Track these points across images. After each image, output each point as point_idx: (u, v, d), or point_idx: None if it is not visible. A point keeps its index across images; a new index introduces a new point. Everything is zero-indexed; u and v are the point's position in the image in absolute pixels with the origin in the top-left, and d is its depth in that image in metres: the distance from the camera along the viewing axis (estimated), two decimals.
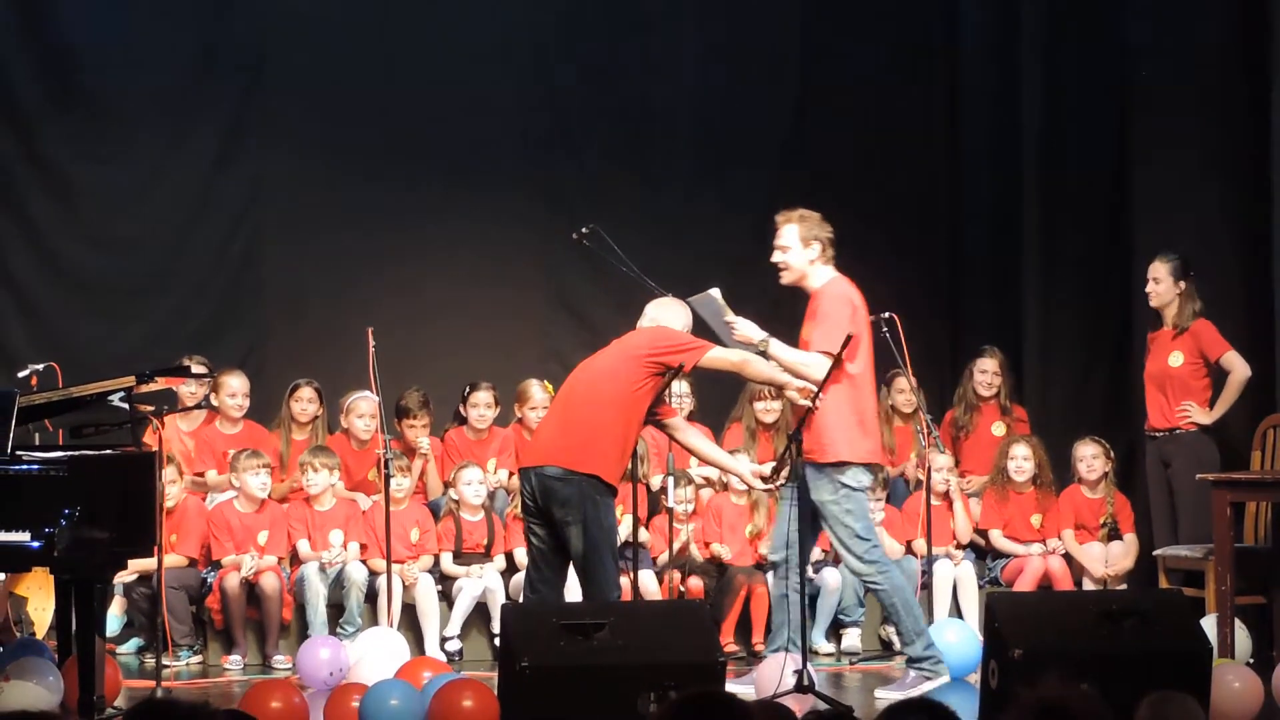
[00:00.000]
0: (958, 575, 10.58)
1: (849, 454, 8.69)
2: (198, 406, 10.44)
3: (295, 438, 10.70)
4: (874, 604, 10.52)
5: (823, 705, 7.93)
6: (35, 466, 7.68)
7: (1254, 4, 10.74)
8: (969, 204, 12.22)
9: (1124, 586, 10.59)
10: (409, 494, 10.52)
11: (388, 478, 9.82)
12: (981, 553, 10.90)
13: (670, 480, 9.56)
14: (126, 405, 8.27)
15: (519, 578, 10.02)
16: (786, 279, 8.96)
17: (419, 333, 11.47)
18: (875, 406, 9.10)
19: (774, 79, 12.26)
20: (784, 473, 8.50)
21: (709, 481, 10.71)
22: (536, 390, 10.85)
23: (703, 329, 8.85)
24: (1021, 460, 10.80)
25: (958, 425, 11.25)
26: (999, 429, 11.17)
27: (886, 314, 9.54)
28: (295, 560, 10.32)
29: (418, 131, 11.80)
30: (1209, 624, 8.94)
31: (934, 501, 10.47)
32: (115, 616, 10.09)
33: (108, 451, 8.25)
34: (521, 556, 10.25)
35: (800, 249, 8.90)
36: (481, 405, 10.86)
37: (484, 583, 10.28)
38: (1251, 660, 9.21)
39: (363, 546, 10.36)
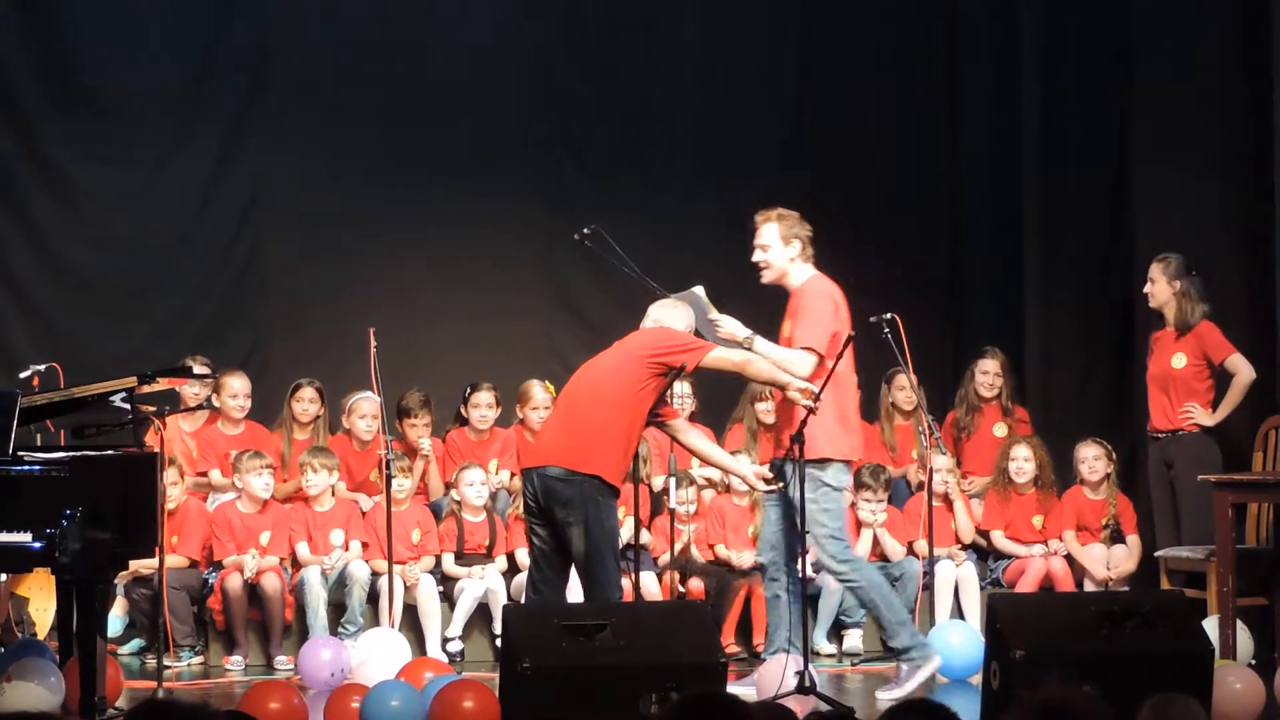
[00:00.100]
0: (959, 576, 10.58)
1: (830, 451, 8.69)
2: (199, 407, 10.44)
3: (297, 438, 10.70)
4: None
5: (824, 707, 7.94)
6: (37, 467, 7.68)
7: (1254, 4, 10.74)
8: (969, 204, 12.21)
9: (1125, 588, 10.58)
10: (410, 495, 10.52)
11: (389, 478, 9.82)
12: (983, 554, 10.90)
13: (672, 481, 9.56)
14: (128, 406, 8.27)
15: (520, 578, 10.03)
16: (767, 277, 9.00)
17: (420, 333, 11.47)
18: (857, 404, 9.11)
19: (774, 79, 12.26)
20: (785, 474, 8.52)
21: (711, 482, 10.70)
22: (538, 391, 10.85)
23: None
24: (1022, 461, 10.80)
25: (959, 426, 11.25)
26: (1000, 430, 11.16)
27: (888, 315, 9.54)
28: (296, 563, 10.31)
29: (418, 131, 11.80)
30: (1210, 625, 8.94)
31: (935, 503, 10.46)
32: (117, 617, 10.10)
33: (109, 452, 8.25)
34: (523, 557, 10.26)
35: (781, 247, 8.93)
36: (483, 406, 10.85)
37: (485, 583, 10.28)
38: (1253, 661, 9.21)
39: (363, 546, 10.36)
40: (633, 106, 12.12)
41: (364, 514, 10.53)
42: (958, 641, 9.35)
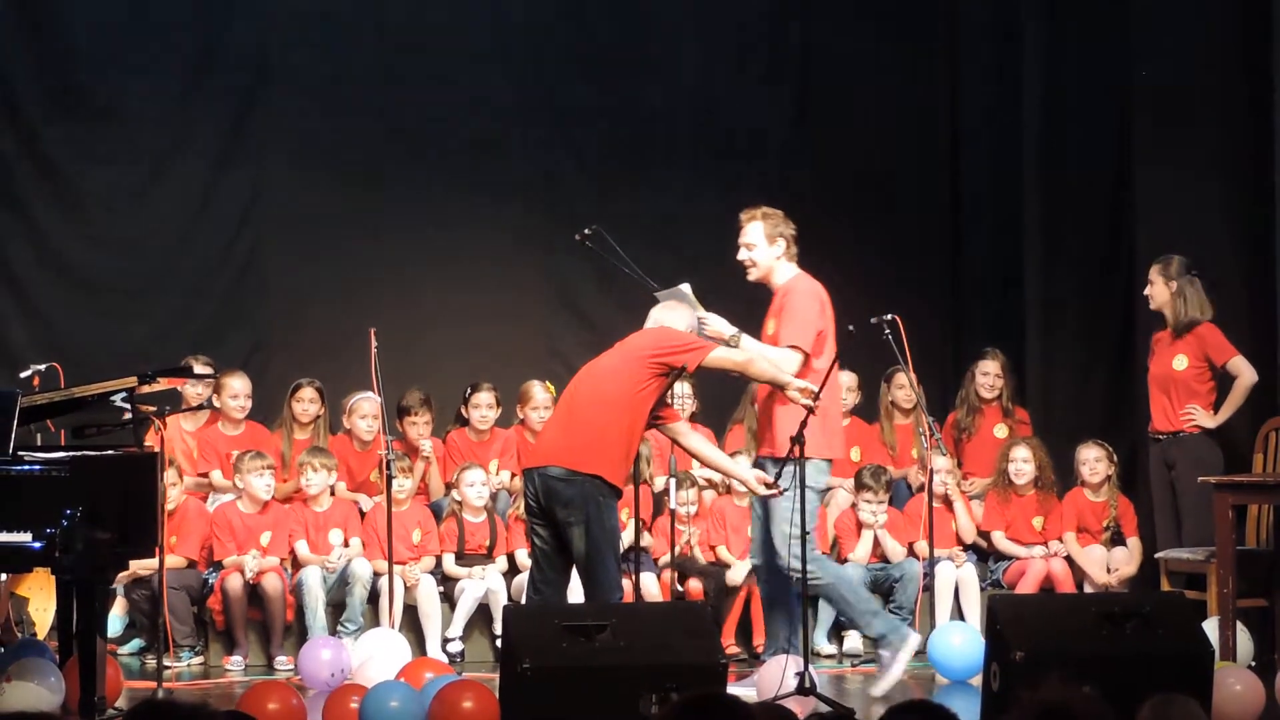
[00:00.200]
0: (960, 577, 10.57)
1: (809, 449, 8.69)
2: (199, 407, 10.44)
3: (297, 438, 10.69)
4: None
5: (825, 708, 7.94)
6: (37, 467, 7.68)
7: (1255, 4, 10.74)
8: (969, 204, 12.22)
9: (1125, 590, 10.58)
10: (410, 495, 10.52)
11: (390, 479, 9.82)
12: (983, 555, 10.90)
13: (673, 482, 9.56)
14: (128, 405, 8.27)
15: (521, 579, 10.04)
16: (753, 275, 9.03)
17: (420, 333, 11.47)
18: (839, 403, 9.10)
19: (774, 79, 12.26)
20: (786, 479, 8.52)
21: (712, 483, 10.70)
22: (538, 391, 10.85)
23: None
24: (1021, 462, 10.79)
25: (960, 427, 11.24)
26: (1001, 431, 11.16)
27: (889, 315, 9.54)
28: (296, 563, 10.31)
29: (418, 132, 11.81)
30: (1211, 626, 8.94)
31: (935, 504, 10.46)
32: (116, 618, 10.10)
33: (110, 452, 8.25)
34: (523, 558, 10.26)
35: (766, 246, 8.96)
36: (483, 406, 10.85)
37: (486, 584, 10.27)
38: (1253, 663, 9.21)
39: (362, 545, 10.36)
40: (633, 106, 12.12)
41: (364, 514, 10.53)
42: (959, 643, 9.35)
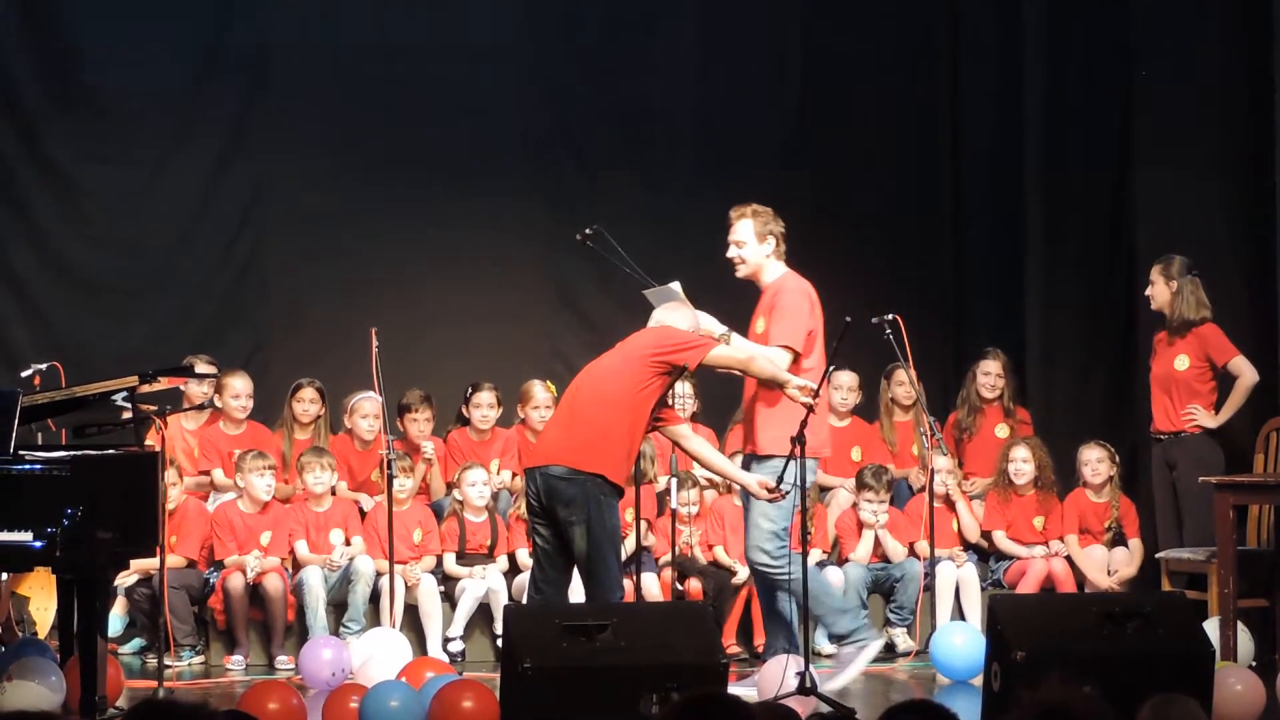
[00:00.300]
0: (961, 577, 10.57)
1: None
2: (200, 407, 10.43)
3: (297, 438, 10.69)
4: (877, 606, 10.55)
5: (825, 707, 7.94)
6: (38, 466, 7.69)
7: (1255, 4, 10.74)
8: (970, 205, 12.22)
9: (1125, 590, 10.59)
10: (411, 495, 10.52)
11: (391, 478, 9.82)
12: (984, 555, 10.90)
13: (674, 481, 9.57)
14: (129, 405, 8.27)
15: (522, 579, 10.04)
16: (742, 272, 9.04)
17: (420, 333, 11.47)
18: (825, 402, 9.07)
19: (774, 79, 12.26)
20: (789, 480, 8.52)
21: (713, 483, 10.70)
22: (539, 390, 10.85)
23: None
24: (1020, 462, 10.79)
25: (961, 427, 11.24)
26: (1002, 431, 11.16)
27: (890, 315, 9.55)
28: (296, 563, 10.30)
29: (418, 131, 11.80)
30: (1211, 627, 8.94)
31: (936, 504, 10.47)
32: (117, 617, 10.09)
33: (110, 451, 8.25)
34: (524, 558, 10.27)
35: (756, 244, 8.97)
36: (484, 406, 10.85)
37: (486, 583, 10.27)
38: (1254, 663, 9.21)
39: (363, 540, 10.36)
40: (633, 106, 12.12)
41: (365, 514, 10.53)
42: (960, 643, 9.34)
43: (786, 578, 8.79)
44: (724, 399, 11.01)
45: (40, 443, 9.23)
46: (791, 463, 8.46)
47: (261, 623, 10.14)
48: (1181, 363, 10.36)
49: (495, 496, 10.65)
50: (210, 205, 11.65)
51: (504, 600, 10.17)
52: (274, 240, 11.72)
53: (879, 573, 10.56)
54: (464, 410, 10.95)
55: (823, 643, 10.36)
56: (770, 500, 8.65)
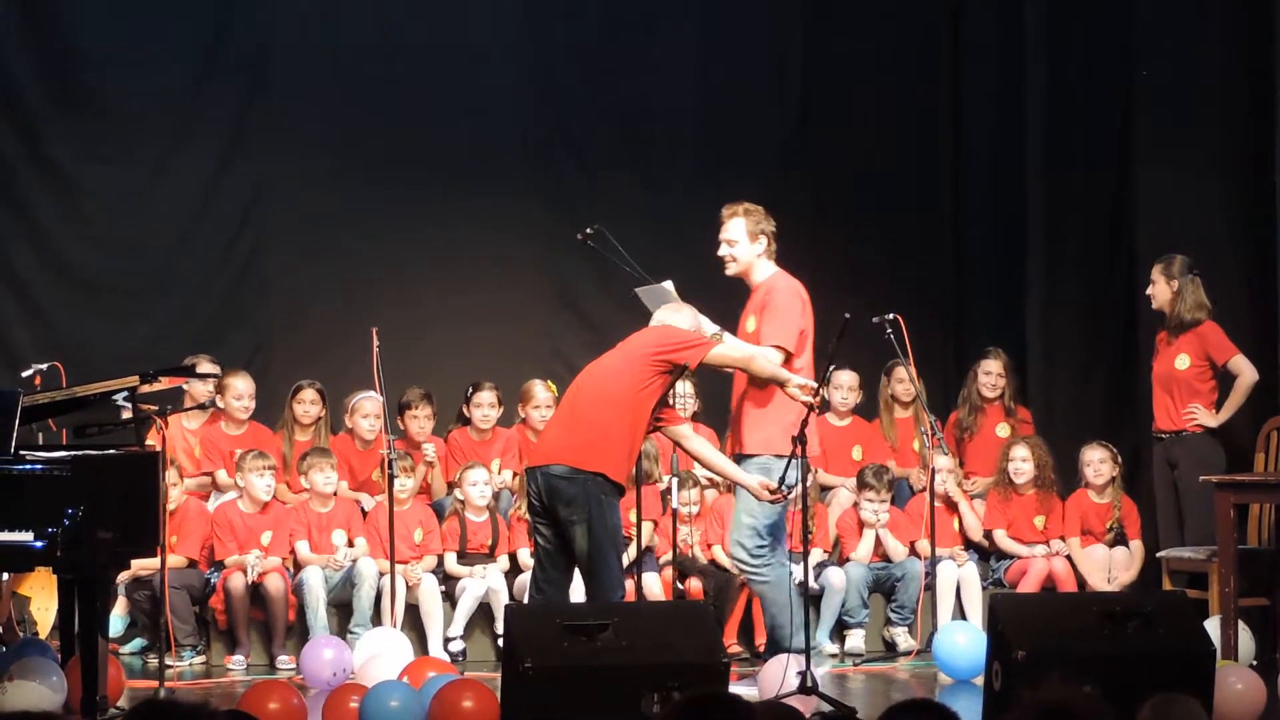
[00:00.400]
0: (962, 576, 10.58)
1: (785, 447, 8.69)
2: (201, 407, 10.43)
3: (298, 439, 10.69)
4: (878, 605, 10.55)
5: (827, 707, 7.94)
6: (39, 466, 7.68)
7: (1256, 5, 10.75)
8: (971, 204, 12.21)
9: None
10: (412, 494, 10.52)
11: (392, 478, 9.82)
12: (985, 554, 10.90)
13: (675, 481, 9.57)
14: (130, 405, 8.27)
15: (523, 578, 10.04)
16: (732, 271, 9.04)
17: (421, 333, 11.47)
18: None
19: (774, 79, 12.25)
20: (793, 478, 8.52)
21: (713, 483, 10.70)
22: (540, 390, 10.85)
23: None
24: (1020, 462, 10.79)
25: (962, 426, 11.24)
26: (1003, 430, 11.16)
27: (890, 315, 9.57)
28: (297, 563, 10.30)
29: (418, 132, 11.80)
30: (1212, 626, 8.95)
31: (936, 503, 10.47)
32: (118, 617, 10.10)
33: (111, 451, 8.25)
34: (525, 557, 10.27)
35: (747, 243, 8.97)
36: (485, 405, 10.85)
37: (487, 583, 10.27)
38: (1255, 662, 9.21)
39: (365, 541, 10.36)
40: (633, 106, 12.11)
41: (366, 514, 10.53)
42: (963, 642, 9.33)
43: (760, 579, 8.77)
44: (725, 399, 10.97)
45: (41, 443, 9.23)
46: (792, 463, 8.46)
47: (263, 623, 10.14)
48: (1182, 362, 10.36)
49: (497, 496, 10.66)
50: (210, 205, 11.65)
51: (504, 600, 10.17)
52: (274, 240, 11.72)
53: (880, 572, 10.57)
54: (465, 410, 10.95)
55: (824, 642, 10.38)
56: (772, 501, 8.65)
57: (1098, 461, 10.71)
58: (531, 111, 12.01)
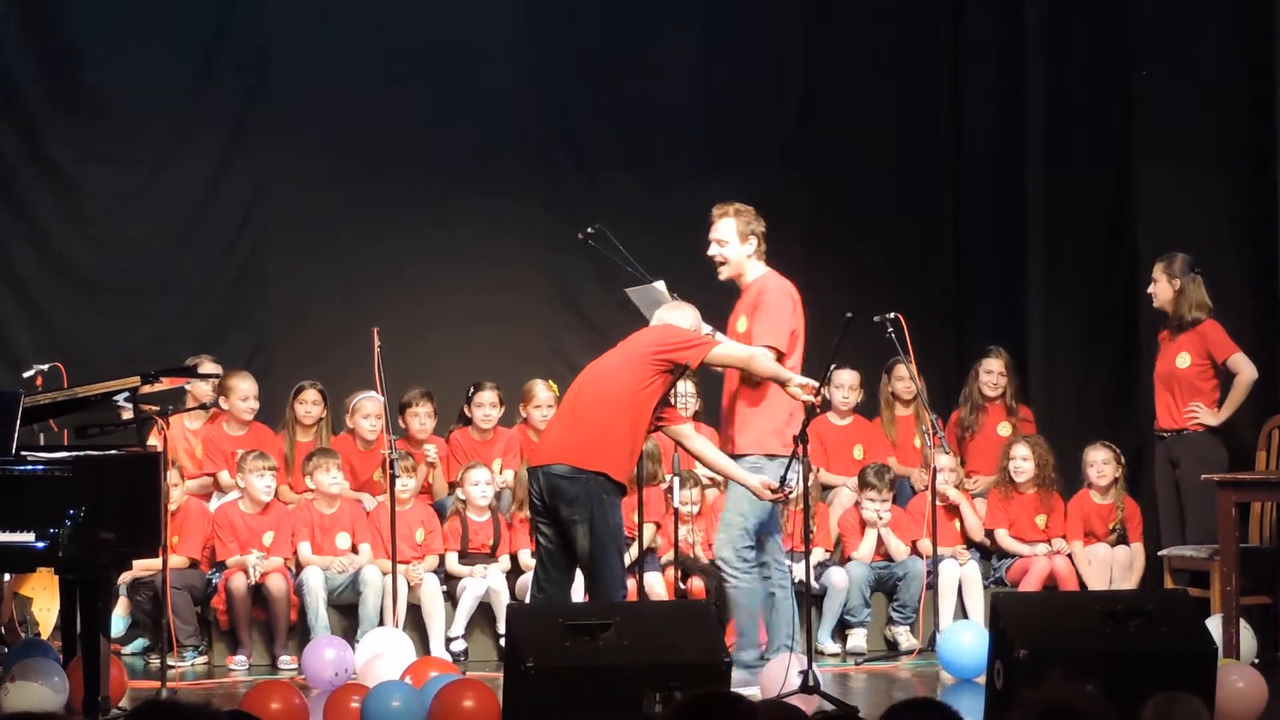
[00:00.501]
0: (963, 575, 10.57)
1: (777, 447, 8.69)
2: (202, 407, 10.42)
3: (300, 440, 10.69)
4: (880, 604, 10.55)
5: (829, 706, 7.94)
6: (40, 467, 7.68)
7: (1256, 4, 10.75)
8: (971, 204, 12.22)
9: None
10: (414, 494, 10.51)
11: (393, 478, 9.82)
12: (987, 553, 10.90)
13: (676, 480, 9.57)
14: (131, 405, 8.27)
15: (525, 579, 10.04)
16: (724, 273, 9.03)
17: (421, 333, 11.46)
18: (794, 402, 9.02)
19: (774, 79, 12.26)
20: (792, 480, 8.52)
21: (714, 482, 10.70)
22: (541, 390, 10.86)
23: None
24: (1020, 460, 10.80)
25: (963, 425, 11.24)
26: (1005, 429, 11.16)
27: (891, 314, 9.56)
28: (299, 564, 10.29)
29: (418, 132, 11.80)
30: (1214, 624, 8.95)
31: (938, 502, 10.47)
32: (119, 618, 10.09)
33: (112, 452, 8.25)
34: (526, 558, 10.27)
35: (738, 243, 8.97)
36: (486, 405, 10.85)
37: (487, 582, 10.27)
38: (1256, 660, 9.22)
39: (370, 546, 10.35)
40: (633, 106, 12.11)
41: (368, 514, 10.52)
42: (968, 641, 9.32)
43: (737, 583, 8.75)
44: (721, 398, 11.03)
45: (42, 443, 9.24)
46: (791, 462, 8.46)
47: (264, 623, 10.14)
48: (1183, 360, 10.36)
49: (498, 496, 10.66)
50: (211, 205, 11.65)
51: (505, 600, 10.17)
52: (274, 240, 11.72)
53: (882, 571, 10.57)
54: (466, 410, 10.95)
55: (826, 640, 10.38)
56: (774, 500, 8.65)
57: (1101, 463, 10.71)
58: (531, 111, 12.01)
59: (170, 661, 9.44)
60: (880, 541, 10.62)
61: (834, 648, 10.46)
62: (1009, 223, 11.92)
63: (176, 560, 9.97)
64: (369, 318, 10.02)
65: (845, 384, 11.09)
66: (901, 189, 12.23)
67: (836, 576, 10.44)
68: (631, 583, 9.47)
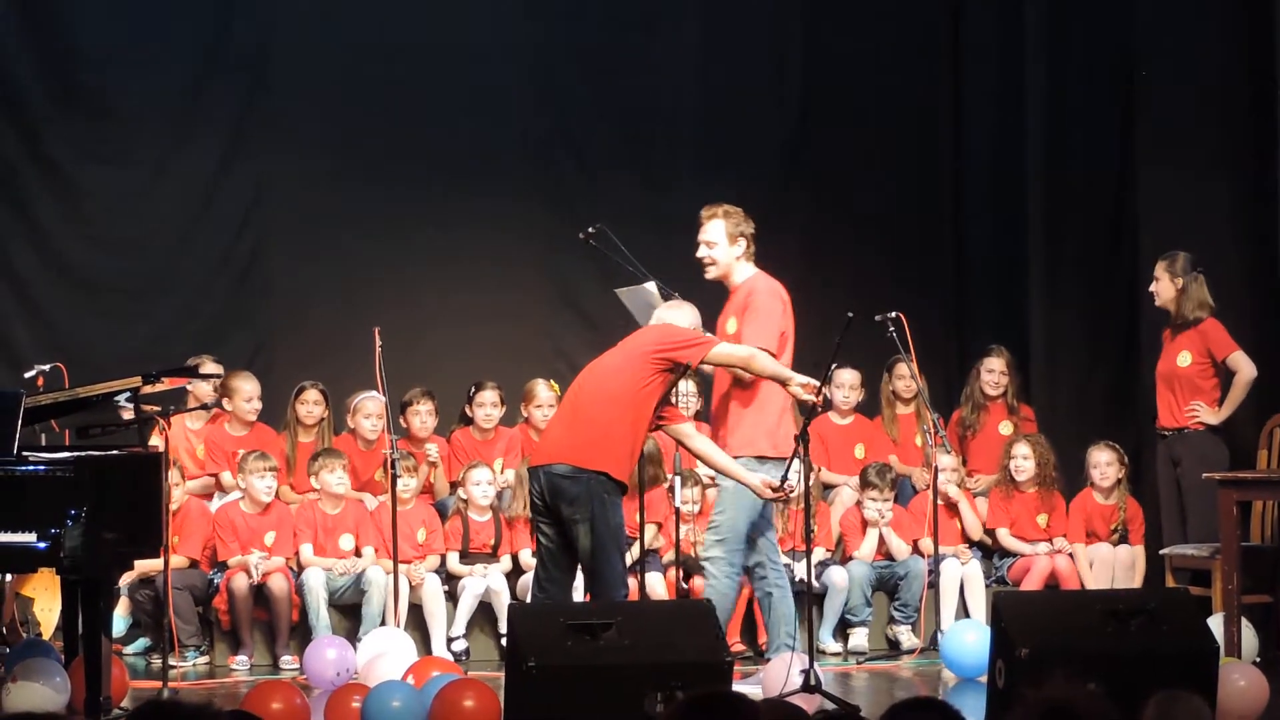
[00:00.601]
0: (965, 574, 10.58)
1: (768, 448, 8.69)
2: (204, 407, 10.42)
3: (301, 440, 10.69)
4: (881, 604, 10.55)
5: (830, 705, 7.94)
6: (41, 467, 7.68)
7: (1257, 4, 10.75)
8: (971, 204, 12.22)
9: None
10: (415, 494, 10.51)
11: (394, 478, 9.82)
12: (988, 552, 10.91)
13: (677, 480, 9.57)
14: (132, 405, 8.27)
15: (526, 579, 10.04)
16: (712, 274, 9.02)
17: (422, 333, 11.47)
18: (778, 403, 8.94)
19: (774, 79, 12.27)
20: (793, 479, 8.51)
21: (715, 481, 10.69)
22: (542, 389, 10.86)
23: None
24: (1021, 459, 10.80)
25: (965, 425, 11.24)
26: (1006, 428, 11.16)
27: (893, 313, 9.56)
28: (301, 564, 10.29)
29: (419, 132, 11.81)
30: (1216, 623, 8.93)
31: (939, 501, 10.47)
32: (120, 618, 10.10)
33: (114, 452, 8.25)
34: (526, 558, 10.27)
35: (727, 245, 8.96)
36: (487, 405, 10.85)
37: (486, 581, 10.27)
38: (1258, 659, 9.21)
39: (374, 551, 10.35)
40: (633, 106, 12.12)
41: (369, 513, 10.52)
42: (972, 641, 9.31)
43: (715, 579, 8.73)
44: None
45: (44, 444, 9.24)
46: (792, 461, 8.46)
47: (266, 623, 10.15)
48: (1184, 359, 10.37)
49: (500, 496, 10.66)
50: (211, 206, 11.65)
51: (505, 599, 10.17)
52: (275, 241, 11.72)
53: (883, 570, 10.58)
54: (467, 410, 10.95)
55: (827, 640, 10.38)
56: (774, 500, 8.65)
57: (1104, 464, 10.71)
58: (531, 111, 12.02)
59: (172, 661, 9.43)
60: (882, 541, 10.63)
61: (835, 647, 10.46)
62: (1009, 222, 11.92)
63: (177, 560, 9.97)
64: (370, 318, 10.02)
65: (846, 383, 11.09)
66: (901, 189, 12.24)
67: (837, 576, 10.44)
68: (632, 583, 9.47)
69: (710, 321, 8.99)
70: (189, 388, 10.45)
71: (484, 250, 11.83)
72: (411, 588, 10.17)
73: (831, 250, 11.93)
